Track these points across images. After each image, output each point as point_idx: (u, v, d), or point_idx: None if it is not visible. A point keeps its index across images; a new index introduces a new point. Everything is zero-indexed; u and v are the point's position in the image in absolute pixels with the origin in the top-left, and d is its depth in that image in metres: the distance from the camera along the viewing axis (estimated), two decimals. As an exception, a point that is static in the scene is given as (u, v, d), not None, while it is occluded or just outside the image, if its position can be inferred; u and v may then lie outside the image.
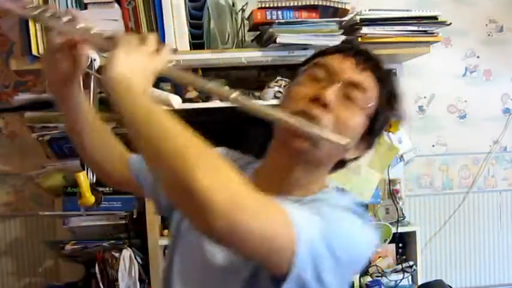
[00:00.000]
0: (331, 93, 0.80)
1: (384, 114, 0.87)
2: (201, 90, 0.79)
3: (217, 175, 0.62)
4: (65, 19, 0.82)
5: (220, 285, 0.83)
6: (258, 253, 0.66)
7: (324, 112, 0.80)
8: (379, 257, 2.13)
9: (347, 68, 0.83)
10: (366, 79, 0.83)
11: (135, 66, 0.73)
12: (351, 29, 1.90)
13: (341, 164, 0.90)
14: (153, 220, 1.81)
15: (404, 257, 2.16)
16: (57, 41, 0.83)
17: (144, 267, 1.80)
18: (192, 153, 0.63)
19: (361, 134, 0.85)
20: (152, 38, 0.78)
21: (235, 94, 0.76)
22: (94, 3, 1.74)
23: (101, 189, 1.72)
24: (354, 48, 0.88)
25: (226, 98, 0.76)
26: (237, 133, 1.65)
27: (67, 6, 1.72)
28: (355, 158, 0.90)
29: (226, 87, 0.78)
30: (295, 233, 0.66)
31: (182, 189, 0.61)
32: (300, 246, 0.66)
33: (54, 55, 0.86)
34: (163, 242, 1.84)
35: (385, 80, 0.87)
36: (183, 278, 0.89)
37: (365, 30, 1.85)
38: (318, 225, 0.70)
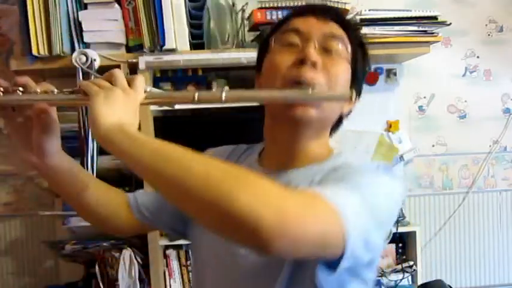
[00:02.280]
0: (313, 51, 0.82)
1: (361, 59, 0.90)
2: (191, 102, 0.77)
3: (255, 191, 0.59)
4: (19, 90, 0.78)
5: None
6: (313, 252, 0.65)
7: (315, 72, 0.81)
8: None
9: (314, 24, 0.85)
10: (333, 26, 0.86)
11: (118, 112, 0.71)
12: (351, 29, 1.90)
13: (339, 121, 0.92)
14: (153, 220, 1.80)
15: (404, 257, 2.16)
16: (19, 119, 0.81)
17: (144, 267, 1.80)
18: (220, 178, 0.60)
19: (350, 83, 0.87)
20: (118, 74, 0.76)
21: (225, 92, 0.75)
22: (94, 3, 1.74)
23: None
24: (311, 6, 0.90)
25: (218, 99, 0.75)
26: (237, 132, 1.65)
27: (67, 7, 1.73)
28: (350, 112, 0.92)
29: (213, 90, 0.77)
30: (343, 218, 0.64)
31: (227, 219, 0.58)
32: (349, 229, 0.65)
33: (21, 129, 0.83)
34: (163, 242, 1.84)
35: (351, 27, 0.89)
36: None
37: (365, 30, 1.85)
38: (358, 199, 0.69)
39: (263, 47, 0.91)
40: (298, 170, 0.85)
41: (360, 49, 0.89)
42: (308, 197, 0.65)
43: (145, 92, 0.77)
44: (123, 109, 0.72)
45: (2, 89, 0.78)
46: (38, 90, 0.78)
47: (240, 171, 0.62)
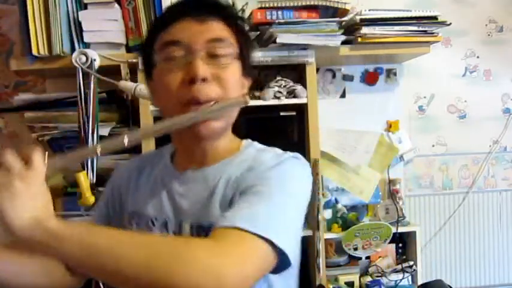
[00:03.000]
0: (201, 66, 0.80)
1: (246, 43, 0.89)
2: (95, 155, 0.76)
3: (190, 267, 0.62)
4: None
5: None
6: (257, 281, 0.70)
7: (207, 86, 0.81)
8: (379, 257, 2.14)
9: (194, 31, 0.83)
10: (215, 28, 0.84)
11: (28, 206, 0.64)
12: (351, 29, 1.90)
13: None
14: (153, 220, 1.80)
15: (404, 257, 2.17)
16: None
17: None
18: (154, 261, 0.62)
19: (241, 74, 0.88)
20: (9, 160, 0.65)
21: (125, 138, 0.74)
22: (94, 3, 1.74)
23: (101, 189, 1.72)
24: (185, 6, 0.86)
25: (121, 145, 0.74)
26: (236, 130, 1.65)
27: (67, 7, 1.73)
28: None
29: (114, 139, 0.75)
30: (271, 241, 0.69)
31: None
32: (282, 247, 0.70)
33: None
34: (163, 242, 1.83)
35: (229, 15, 0.88)
36: None
37: (365, 30, 1.85)
38: (276, 209, 0.74)
39: (147, 48, 0.88)
40: (213, 167, 0.88)
41: (243, 36, 0.89)
42: (237, 244, 0.68)
43: (45, 164, 0.69)
44: (32, 200, 0.64)
45: None
46: None
47: (171, 245, 0.66)
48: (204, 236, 0.80)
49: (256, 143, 0.93)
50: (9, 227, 0.63)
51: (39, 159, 0.68)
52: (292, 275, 0.87)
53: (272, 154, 0.86)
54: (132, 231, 0.90)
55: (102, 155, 0.74)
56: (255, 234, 0.69)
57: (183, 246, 0.66)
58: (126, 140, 0.74)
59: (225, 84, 0.83)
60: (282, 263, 0.72)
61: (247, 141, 0.93)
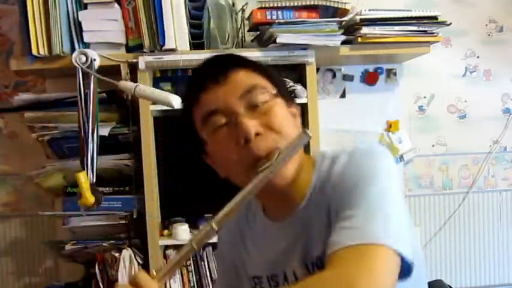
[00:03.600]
0: (248, 124, 0.79)
1: (275, 76, 0.88)
2: (191, 253, 0.78)
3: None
4: None
5: None
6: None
7: (263, 139, 0.79)
8: (379, 257, 2.14)
9: (224, 93, 0.81)
10: (241, 80, 0.82)
11: None
12: (351, 29, 1.90)
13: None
14: (153, 220, 1.81)
15: (404, 257, 2.16)
16: None
17: (144, 267, 1.80)
18: None
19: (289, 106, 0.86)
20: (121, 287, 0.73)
21: (213, 224, 0.74)
22: (94, 3, 1.74)
23: (101, 189, 1.72)
24: (207, 77, 0.84)
25: (212, 232, 0.74)
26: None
27: (67, 7, 1.73)
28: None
29: (203, 229, 0.75)
30: (390, 248, 0.69)
31: None
32: (402, 252, 0.69)
33: None
34: (164, 242, 1.84)
35: (243, 60, 0.87)
36: None
37: (365, 30, 1.85)
38: (383, 213, 0.73)
39: (189, 128, 0.88)
40: (308, 202, 0.85)
41: (268, 72, 0.87)
42: (356, 261, 0.67)
43: (155, 277, 0.73)
44: None
45: None
46: None
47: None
48: (321, 267, 0.80)
49: (326, 152, 0.89)
50: None
51: (145, 277, 0.72)
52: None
53: (344, 159, 0.83)
54: None
55: (198, 250, 0.76)
56: (366, 244, 0.68)
57: None
58: (214, 226, 0.74)
59: (278, 128, 0.81)
60: (403, 266, 0.71)
61: (318, 155, 0.90)
